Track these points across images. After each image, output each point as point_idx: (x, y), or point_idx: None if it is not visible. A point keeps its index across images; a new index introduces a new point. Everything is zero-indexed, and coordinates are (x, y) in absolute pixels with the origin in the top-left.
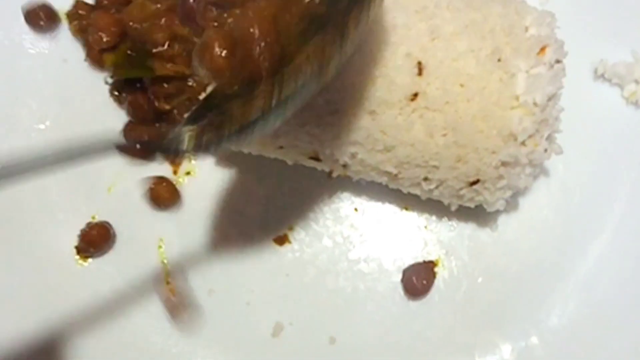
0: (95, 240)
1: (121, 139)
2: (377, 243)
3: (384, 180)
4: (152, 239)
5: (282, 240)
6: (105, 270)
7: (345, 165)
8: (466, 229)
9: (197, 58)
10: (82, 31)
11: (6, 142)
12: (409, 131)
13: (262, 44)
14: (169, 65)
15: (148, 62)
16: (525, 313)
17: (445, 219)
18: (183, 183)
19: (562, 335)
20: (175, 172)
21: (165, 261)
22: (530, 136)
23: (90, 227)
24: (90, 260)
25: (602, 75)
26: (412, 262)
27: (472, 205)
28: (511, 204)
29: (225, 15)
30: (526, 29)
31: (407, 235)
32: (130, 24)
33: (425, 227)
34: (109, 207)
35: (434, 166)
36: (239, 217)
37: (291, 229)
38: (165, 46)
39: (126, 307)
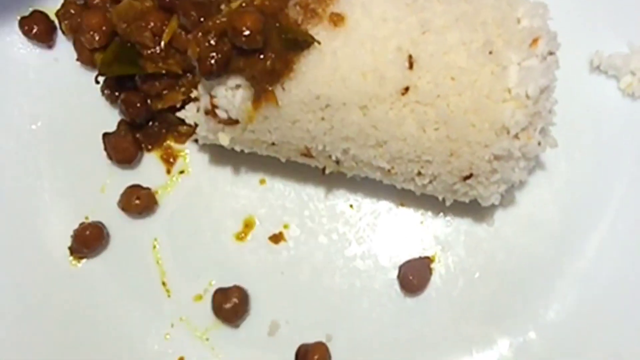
0: (89, 240)
1: None
2: (373, 240)
3: (377, 175)
4: (146, 239)
5: (277, 238)
6: (98, 271)
7: (338, 162)
8: (462, 225)
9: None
10: (73, 30)
11: None
12: (401, 126)
13: None
14: (159, 64)
15: (139, 61)
16: (522, 308)
17: (441, 215)
18: (177, 182)
19: (560, 330)
20: (168, 172)
21: (159, 261)
22: (523, 129)
23: (83, 227)
24: (84, 260)
25: (598, 67)
26: (408, 258)
27: (466, 200)
28: (507, 199)
29: None
30: (518, 20)
31: (403, 231)
32: (118, 23)
33: (421, 223)
34: (102, 207)
35: (427, 161)
36: (232, 216)
37: (286, 227)
38: (155, 46)
39: (120, 307)
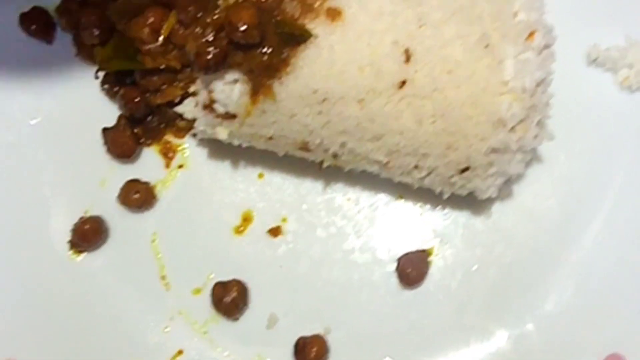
0: (88, 234)
1: None
2: (371, 233)
3: (374, 169)
4: (145, 232)
5: (275, 231)
6: (98, 265)
7: (335, 155)
8: (460, 217)
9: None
10: (72, 26)
11: None
12: (398, 119)
13: None
14: (158, 59)
15: (137, 56)
16: (520, 300)
17: (439, 208)
18: (176, 176)
19: (558, 322)
20: (167, 165)
21: (159, 255)
22: (519, 122)
23: (83, 221)
24: (83, 254)
25: (595, 60)
26: (406, 251)
27: (463, 192)
28: (505, 192)
29: None
30: (515, 14)
31: (401, 224)
32: (117, 19)
33: (420, 215)
34: (102, 201)
35: (424, 154)
36: (231, 210)
37: (285, 220)
38: (154, 42)
39: (119, 300)
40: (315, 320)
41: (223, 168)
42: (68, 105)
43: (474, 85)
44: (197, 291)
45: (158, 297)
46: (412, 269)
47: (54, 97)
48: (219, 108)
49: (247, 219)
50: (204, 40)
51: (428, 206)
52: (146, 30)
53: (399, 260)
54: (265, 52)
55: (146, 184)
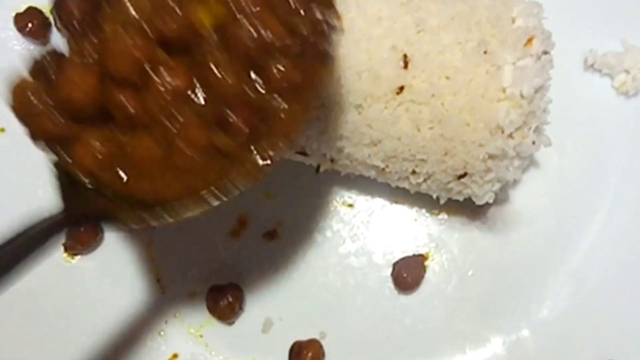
0: (83, 237)
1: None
2: (367, 237)
3: (372, 174)
4: (141, 235)
5: (271, 235)
6: (93, 267)
7: (332, 160)
8: (456, 222)
9: None
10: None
11: None
12: (395, 125)
13: None
14: None
15: None
16: (516, 306)
17: (435, 212)
18: None
19: (554, 327)
20: None
21: (154, 258)
22: (517, 128)
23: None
24: (78, 257)
25: (592, 66)
26: (402, 255)
27: (460, 198)
28: (501, 197)
29: None
30: (513, 20)
31: (397, 228)
32: None
33: (415, 220)
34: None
35: (422, 160)
36: (226, 213)
37: (280, 224)
38: None
39: (114, 303)
40: (311, 325)
41: None
42: None
43: (472, 92)
44: (193, 295)
45: (153, 301)
46: (408, 274)
47: None
48: None
49: (242, 223)
50: None
51: (424, 211)
52: None
53: (395, 265)
54: None
55: None
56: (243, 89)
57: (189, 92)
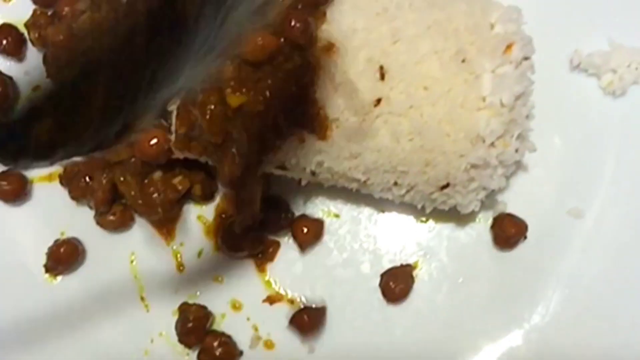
0: (64, 257)
1: None
2: (354, 247)
3: (354, 186)
4: (123, 253)
5: None
6: (75, 287)
7: (313, 173)
8: (444, 230)
9: None
10: (43, 41)
11: None
12: (374, 137)
13: None
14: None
15: None
16: (507, 313)
17: (422, 221)
18: None
19: (546, 334)
20: None
21: (137, 276)
22: (499, 137)
23: (58, 245)
24: (60, 277)
25: (578, 66)
26: (390, 265)
27: (445, 207)
28: (489, 202)
29: None
30: (492, 26)
31: (384, 238)
32: (82, 38)
33: (403, 229)
34: (78, 222)
35: (403, 171)
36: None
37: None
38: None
39: (98, 322)
40: (300, 339)
41: None
42: None
43: (451, 102)
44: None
45: (138, 319)
46: (396, 285)
47: None
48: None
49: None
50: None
51: (411, 219)
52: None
53: (383, 275)
54: None
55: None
56: None
57: None
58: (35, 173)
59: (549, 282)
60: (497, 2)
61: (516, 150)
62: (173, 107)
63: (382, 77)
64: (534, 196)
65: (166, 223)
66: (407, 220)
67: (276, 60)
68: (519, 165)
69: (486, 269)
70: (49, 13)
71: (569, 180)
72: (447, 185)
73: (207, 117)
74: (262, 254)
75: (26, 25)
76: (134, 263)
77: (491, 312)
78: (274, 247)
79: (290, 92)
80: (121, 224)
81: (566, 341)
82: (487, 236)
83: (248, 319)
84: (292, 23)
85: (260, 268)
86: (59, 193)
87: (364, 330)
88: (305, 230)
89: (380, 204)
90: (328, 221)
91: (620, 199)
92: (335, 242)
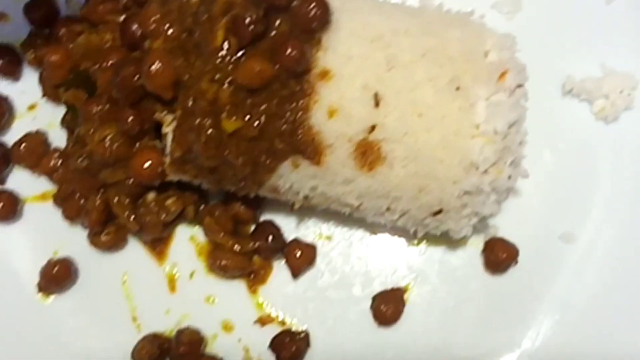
0: (56, 278)
1: None
2: (345, 270)
3: (346, 210)
4: (116, 273)
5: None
6: (68, 306)
7: (306, 197)
8: (436, 253)
9: None
10: (39, 61)
11: None
12: None
13: None
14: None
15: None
16: (498, 338)
17: (414, 244)
18: None
19: (538, 357)
20: None
21: (129, 296)
22: (492, 164)
23: (51, 264)
24: (52, 296)
25: (571, 91)
26: (381, 288)
27: (437, 232)
28: (481, 226)
29: None
30: (486, 53)
31: (376, 260)
32: (79, 60)
33: (394, 252)
34: (71, 242)
35: (396, 197)
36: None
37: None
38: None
39: (90, 342)
40: None
41: None
42: None
43: (445, 129)
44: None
45: (130, 339)
46: (387, 308)
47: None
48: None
49: None
50: None
51: (403, 242)
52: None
53: (374, 298)
54: None
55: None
56: None
57: None
58: (28, 192)
59: (540, 306)
60: (491, 30)
61: (509, 177)
62: (168, 130)
63: (377, 104)
64: (525, 221)
65: (159, 244)
66: (398, 243)
67: (272, 87)
68: (509, 192)
69: (477, 293)
70: (46, 33)
71: (561, 206)
72: (440, 211)
73: (203, 141)
74: (254, 276)
75: (22, 45)
76: (127, 283)
77: (482, 336)
78: (266, 270)
79: (285, 118)
80: (114, 244)
81: None
82: (479, 260)
83: (239, 340)
84: (288, 51)
85: (252, 289)
86: (53, 212)
87: (355, 352)
88: (298, 254)
89: (373, 227)
90: (320, 243)
91: (611, 225)
92: (327, 264)
